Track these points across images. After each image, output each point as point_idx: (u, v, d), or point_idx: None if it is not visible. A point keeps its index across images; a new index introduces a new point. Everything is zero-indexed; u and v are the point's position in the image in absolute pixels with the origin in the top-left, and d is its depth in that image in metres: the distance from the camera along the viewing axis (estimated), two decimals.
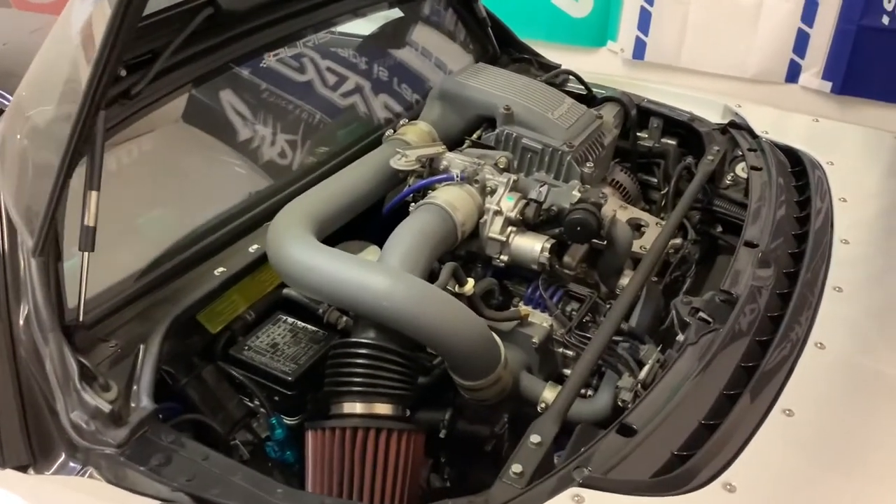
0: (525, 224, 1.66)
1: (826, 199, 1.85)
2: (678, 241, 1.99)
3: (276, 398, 1.46)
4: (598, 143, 1.89)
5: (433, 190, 1.66)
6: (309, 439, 1.32)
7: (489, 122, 1.88)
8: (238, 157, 1.83)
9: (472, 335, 1.38)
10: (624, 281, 1.76)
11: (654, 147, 2.36)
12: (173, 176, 1.81)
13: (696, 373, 1.30)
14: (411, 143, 1.80)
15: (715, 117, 2.38)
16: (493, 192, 1.66)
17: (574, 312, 1.65)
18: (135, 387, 1.27)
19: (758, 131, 2.21)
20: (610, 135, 1.97)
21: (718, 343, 1.37)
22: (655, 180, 2.30)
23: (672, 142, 2.36)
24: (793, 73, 3.63)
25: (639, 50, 3.72)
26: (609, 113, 2.11)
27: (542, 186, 1.67)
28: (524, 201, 1.65)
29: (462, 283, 1.53)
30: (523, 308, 1.62)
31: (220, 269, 1.52)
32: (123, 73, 1.50)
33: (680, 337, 1.48)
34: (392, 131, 1.86)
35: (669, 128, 2.37)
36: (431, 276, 1.50)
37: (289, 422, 1.48)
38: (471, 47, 2.57)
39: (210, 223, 1.63)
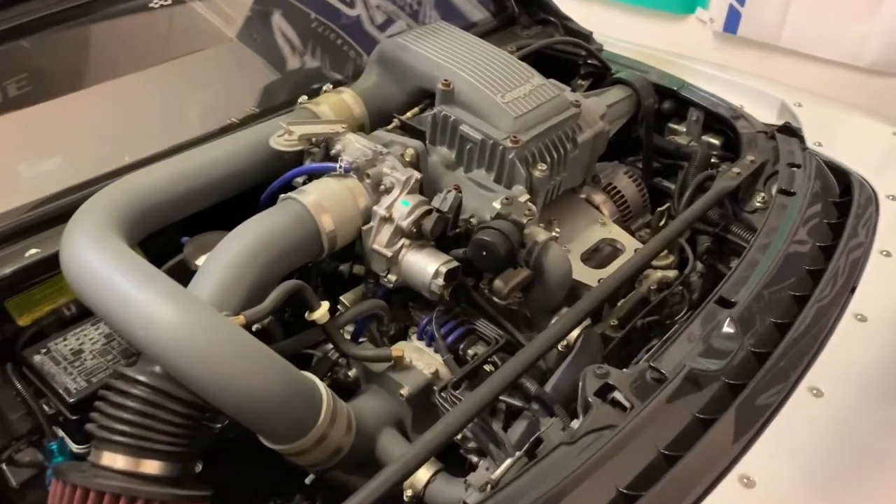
0: (424, 237, 1.28)
1: (862, 250, 1.35)
2: (672, 273, 1.55)
3: (61, 419, 1.19)
4: (565, 139, 1.46)
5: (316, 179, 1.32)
6: (51, 488, 1.04)
7: (432, 97, 1.49)
8: None
9: (266, 391, 1.03)
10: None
11: (682, 147, 1.89)
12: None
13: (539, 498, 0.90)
14: (320, 116, 1.45)
15: (770, 115, 1.87)
16: (389, 191, 1.29)
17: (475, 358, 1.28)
18: None
19: (809, 141, 1.70)
20: (590, 130, 1.53)
21: (599, 452, 0.97)
22: (673, 188, 1.85)
23: (715, 141, 1.88)
24: None
25: (731, 22, 3.11)
26: (602, 101, 1.66)
27: (448, 192, 1.28)
28: (424, 208, 1.27)
29: (312, 308, 1.18)
30: (397, 346, 1.25)
31: (34, 251, 1.25)
32: None
33: (574, 423, 1.08)
34: (306, 97, 1.51)
35: (712, 123, 1.90)
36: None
37: (76, 449, 1.20)
38: (491, 3, 2.16)
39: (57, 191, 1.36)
